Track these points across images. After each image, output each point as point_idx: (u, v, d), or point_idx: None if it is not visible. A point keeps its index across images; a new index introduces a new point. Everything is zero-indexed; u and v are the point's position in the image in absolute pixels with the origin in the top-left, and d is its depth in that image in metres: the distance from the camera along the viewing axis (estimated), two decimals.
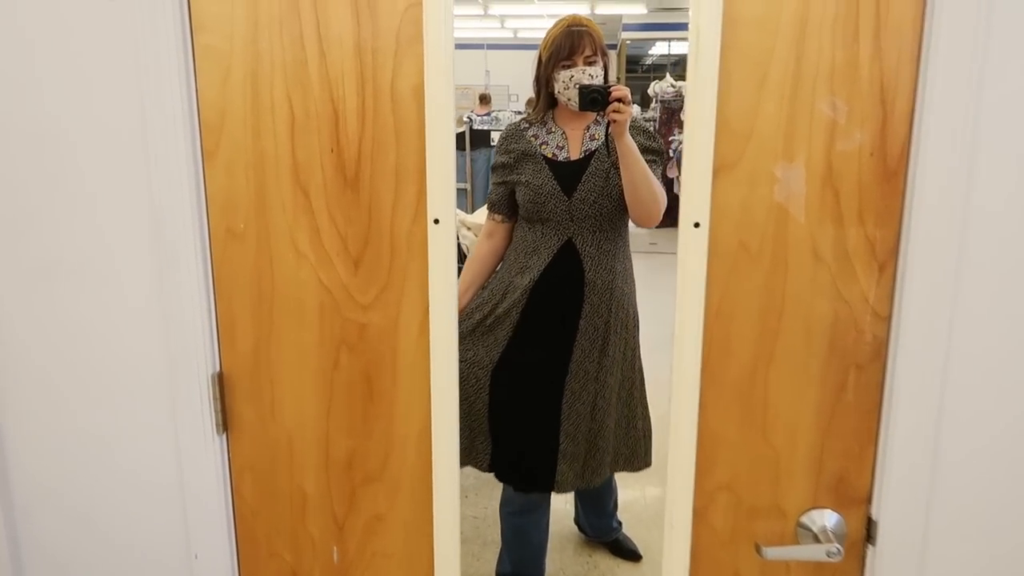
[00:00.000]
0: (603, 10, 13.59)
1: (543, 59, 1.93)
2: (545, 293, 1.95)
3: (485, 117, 8.14)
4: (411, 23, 1.05)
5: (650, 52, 15.70)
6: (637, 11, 13.71)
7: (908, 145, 1.02)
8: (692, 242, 1.06)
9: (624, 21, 12.83)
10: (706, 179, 1.04)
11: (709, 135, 1.03)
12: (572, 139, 1.97)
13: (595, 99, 1.73)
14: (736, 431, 1.12)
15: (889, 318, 1.08)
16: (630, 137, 1.78)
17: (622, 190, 1.87)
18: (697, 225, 1.05)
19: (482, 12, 11.60)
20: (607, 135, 1.80)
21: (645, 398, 2.11)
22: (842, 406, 1.11)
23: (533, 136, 1.99)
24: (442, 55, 1.04)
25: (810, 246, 1.06)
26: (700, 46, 1.00)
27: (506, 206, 2.03)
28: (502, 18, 12.32)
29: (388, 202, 1.11)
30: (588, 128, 1.99)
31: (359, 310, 1.15)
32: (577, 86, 1.81)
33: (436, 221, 1.09)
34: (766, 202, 1.06)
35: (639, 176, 1.80)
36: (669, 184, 8.16)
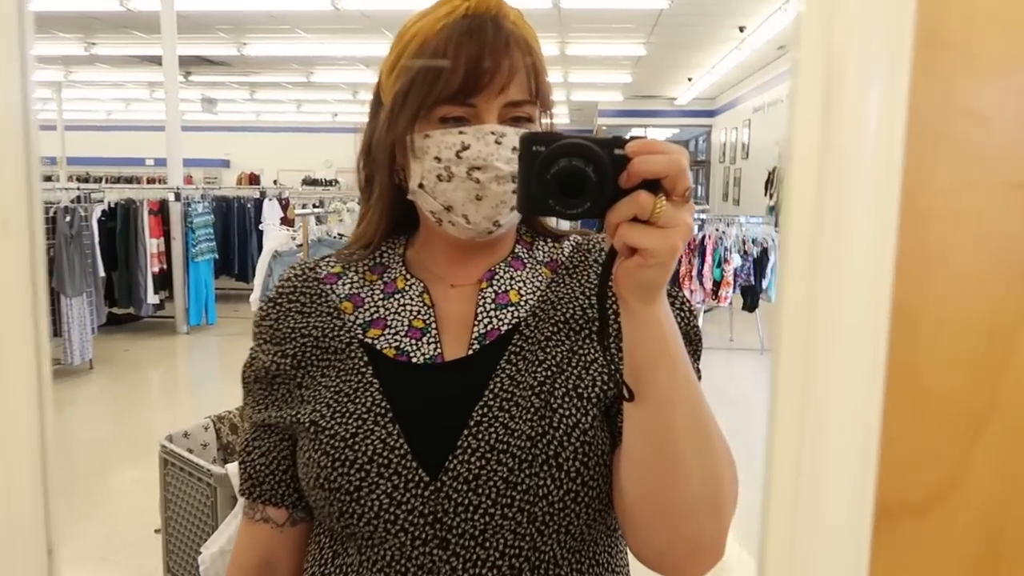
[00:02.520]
0: (578, 96, 13.36)
1: (391, 93, 0.73)
2: None
3: None
4: None
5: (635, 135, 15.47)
6: (613, 98, 13.50)
7: None
8: None
9: (600, 107, 12.56)
10: (855, 541, 0.32)
11: (870, 388, 0.31)
12: (449, 310, 0.76)
13: (576, 179, 0.53)
14: None
15: None
16: (667, 304, 0.59)
17: (592, 444, 0.69)
18: None
19: None
20: (603, 287, 0.58)
21: None
22: None
23: (348, 296, 0.77)
24: None
25: None
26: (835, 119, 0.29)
27: (286, 485, 0.76)
28: None
29: None
30: (493, 275, 0.76)
31: None
32: (520, 136, 0.56)
33: None
34: None
35: (683, 416, 0.60)
36: None
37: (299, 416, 0.72)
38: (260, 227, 7.20)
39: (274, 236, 4.11)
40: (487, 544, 0.66)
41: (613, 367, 0.61)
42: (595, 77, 11.75)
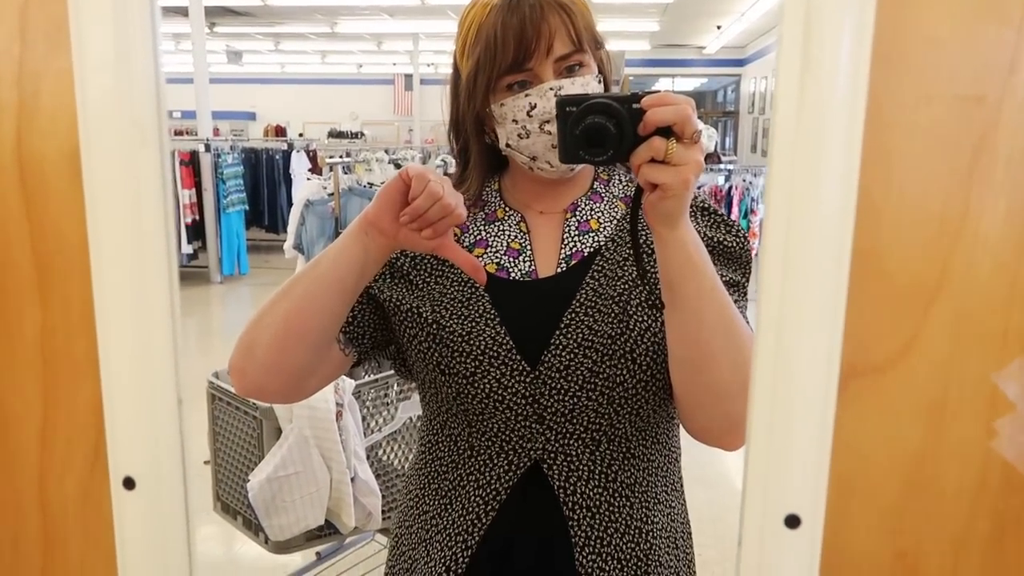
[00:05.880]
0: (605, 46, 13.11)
1: (464, 76, 0.85)
2: None
3: None
4: (47, 9, 0.41)
5: (655, 89, 15.29)
6: (640, 47, 13.30)
7: None
8: (781, 557, 0.41)
9: (627, 57, 12.37)
10: (824, 394, 0.40)
11: (837, 270, 0.38)
12: (540, 235, 0.88)
13: (598, 132, 0.66)
14: None
15: None
16: (691, 228, 0.71)
17: (662, 344, 0.80)
18: (794, 522, 0.40)
19: None
20: (634, 217, 0.71)
21: None
22: None
23: (459, 229, 0.89)
24: (130, 69, 0.40)
25: None
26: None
27: (368, 338, 0.89)
28: None
29: (30, 429, 0.46)
30: (576, 207, 0.88)
31: None
32: (555, 99, 0.70)
33: (129, 483, 0.44)
34: (972, 456, 0.41)
35: (711, 320, 0.72)
36: None
37: (421, 311, 0.85)
38: (291, 173, 7.31)
39: (306, 185, 4.20)
40: (574, 420, 0.81)
41: (647, 280, 0.74)
42: (622, 25, 11.58)
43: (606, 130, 0.65)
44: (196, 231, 7.03)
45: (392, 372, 2.08)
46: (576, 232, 0.87)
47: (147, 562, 0.45)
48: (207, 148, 7.00)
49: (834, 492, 0.40)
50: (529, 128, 0.81)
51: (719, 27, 12.06)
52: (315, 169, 7.17)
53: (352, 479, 2.09)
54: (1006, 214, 0.38)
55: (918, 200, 0.38)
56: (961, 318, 0.39)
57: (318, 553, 2.55)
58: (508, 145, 0.84)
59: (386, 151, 5.62)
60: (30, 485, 0.46)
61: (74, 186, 0.41)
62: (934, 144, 0.38)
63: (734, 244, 0.87)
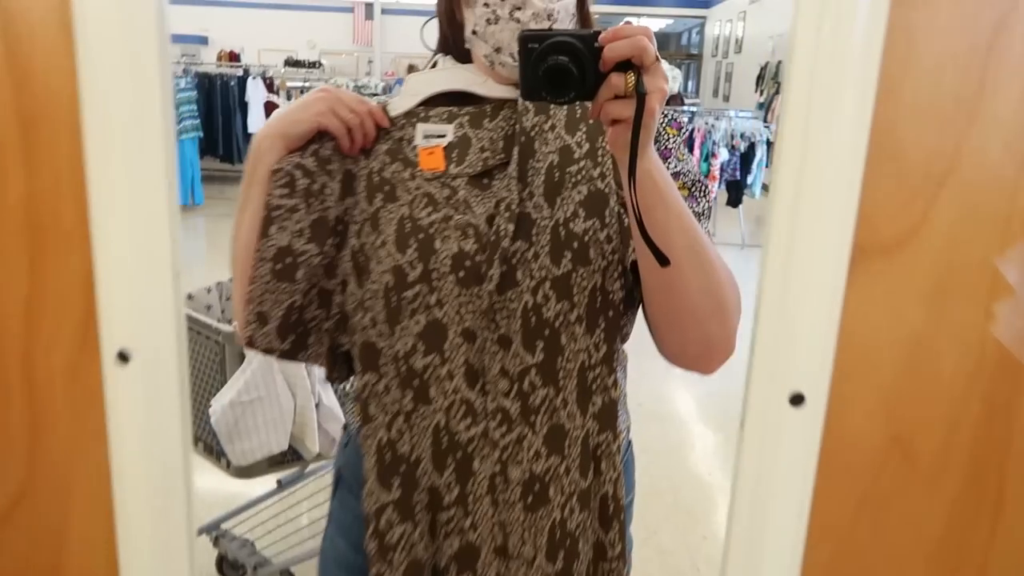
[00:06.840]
0: None
1: None
2: None
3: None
4: None
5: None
6: None
7: None
8: (783, 434, 0.42)
9: None
10: (835, 274, 0.40)
11: (855, 147, 0.38)
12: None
13: (561, 73, 0.63)
14: None
15: None
16: (656, 157, 0.69)
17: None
18: (798, 400, 0.41)
19: None
20: (634, 145, 0.64)
21: None
22: None
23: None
24: None
25: None
26: None
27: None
28: None
29: (15, 302, 0.44)
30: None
31: None
32: (518, 32, 0.69)
33: (123, 357, 0.42)
34: (970, 340, 0.42)
35: (680, 243, 0.69)
36: None
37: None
38: (246, 100, 7.08)
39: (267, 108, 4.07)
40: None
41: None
42: None
43: (569, 72, 0.63)
44: None
45: None
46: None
47: (141, 440, 0.44)
48: None
49: (838, 373, 0.41)
50: (499, 13, 0.76)
51: None
52: (271, 103, 6.94)
53: (316, 405, 2.08)
54: (1021, 96, 0.38)
55: (936, 77, 0.38)
56: (969, 199, 0.39)
57: (279, 481, 2.56)
58: (474, 32, 0.79)
59: (349, 81, 5.47)
60: (15, 362, 0.44)
61: (63, 35, 0.38)
62: (955, 21, 0.37)
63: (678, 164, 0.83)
